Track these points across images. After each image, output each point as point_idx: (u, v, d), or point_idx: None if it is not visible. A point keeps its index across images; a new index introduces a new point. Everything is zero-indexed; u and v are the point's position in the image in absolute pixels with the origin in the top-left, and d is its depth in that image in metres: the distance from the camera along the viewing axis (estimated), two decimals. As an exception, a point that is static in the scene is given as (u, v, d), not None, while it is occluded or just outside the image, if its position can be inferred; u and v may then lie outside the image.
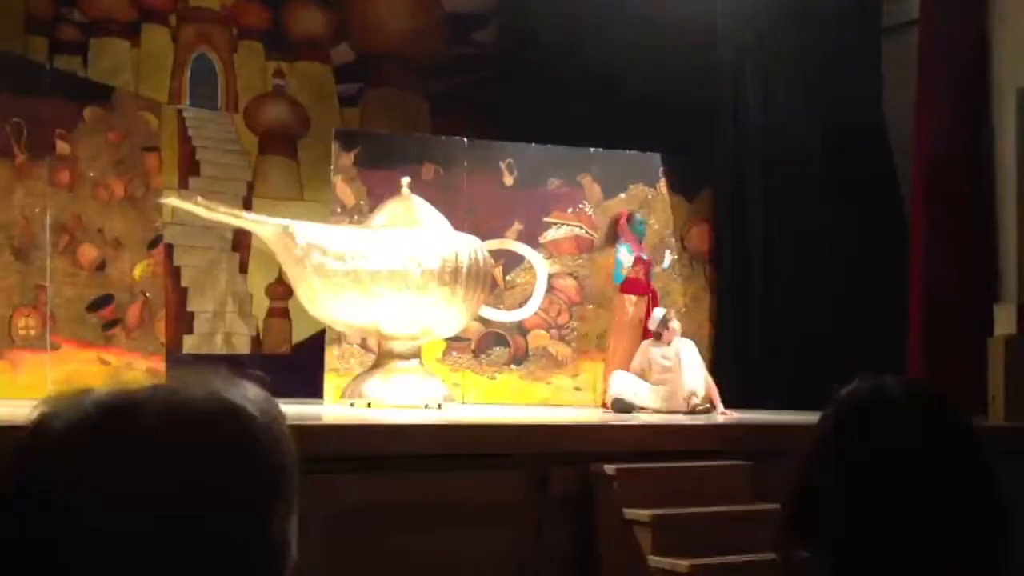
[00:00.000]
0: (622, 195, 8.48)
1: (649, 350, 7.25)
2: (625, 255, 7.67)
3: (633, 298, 7.62)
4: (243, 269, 9.01)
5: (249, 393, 0.94)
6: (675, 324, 7.26)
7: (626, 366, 7.34)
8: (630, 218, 7.86)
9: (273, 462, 0.92)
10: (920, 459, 1.32)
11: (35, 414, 0.89)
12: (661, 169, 8.57)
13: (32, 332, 6.51)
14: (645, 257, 7.79)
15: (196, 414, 0.89)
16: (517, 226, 8.19)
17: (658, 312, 7.40)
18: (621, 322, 7.62)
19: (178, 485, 0.85)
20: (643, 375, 7.20)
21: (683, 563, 4.80)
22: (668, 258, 8.07)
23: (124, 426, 0.87)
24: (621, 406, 6.92)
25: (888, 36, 8.70)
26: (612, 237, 7.86)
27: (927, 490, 1.30)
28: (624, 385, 7.07)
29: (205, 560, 0.85)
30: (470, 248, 6.74)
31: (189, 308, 8.80)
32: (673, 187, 8.59)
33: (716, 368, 8.03)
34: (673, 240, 8.55)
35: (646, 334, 7.51)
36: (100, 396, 0.89)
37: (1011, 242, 7.84)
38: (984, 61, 8.00)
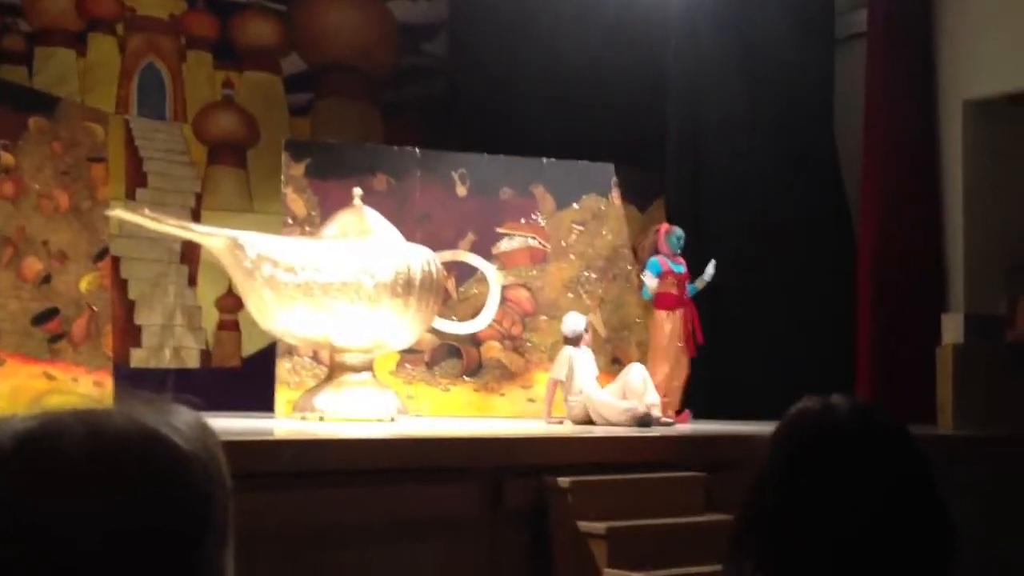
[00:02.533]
0: (575, 205, 8.49)
1: (575, 358, 7.18)
2: (652, 270, 7.43)
3: (664, 313, 7.46)
4: (192, 282, 8.90)
5: (176, 419, 0.89)
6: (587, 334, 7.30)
7: (668, 384, 7.30)
8: (669, 231, 7.59)
9: (202, 490, 0.87)
10: (866, 480, 1.32)
11: None
12: (614, 179, 8.60)
13: (-25, 347, 6.37)
14: (682, 270, 7.52)
15: (118, 443, 0.85)
16: (470, 237, 8.16)
17: (580, 319, 7.32)
18: (657, 339, 7.48)
19: (100, 518, 0.81)
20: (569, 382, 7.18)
21: (638, 575, 4.80)
22: (711, 269, 7.51)
23: (43, 458, 0.83)
24: (646, 420, 6.73)
25: (839, 47, 8.81)
26: (652, 251, 7.59)
27: (873, 511, 1.30)
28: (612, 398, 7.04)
29: None
30: (423, 259, 6.71)
31: (137, 321, 8.66)
32: (626, 197, 8.61)
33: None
34: (626, 250, 8.58)
35: (688, 349, 7.42)
36: (18, 426, 0.85)
37: (958, 252, 7.96)
38: (930, 73, 8.13)
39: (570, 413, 7.13)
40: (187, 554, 0.85)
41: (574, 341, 7.24)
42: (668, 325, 7.45)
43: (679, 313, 7.48)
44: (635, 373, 7.03)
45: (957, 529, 1.35)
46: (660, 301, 7.49)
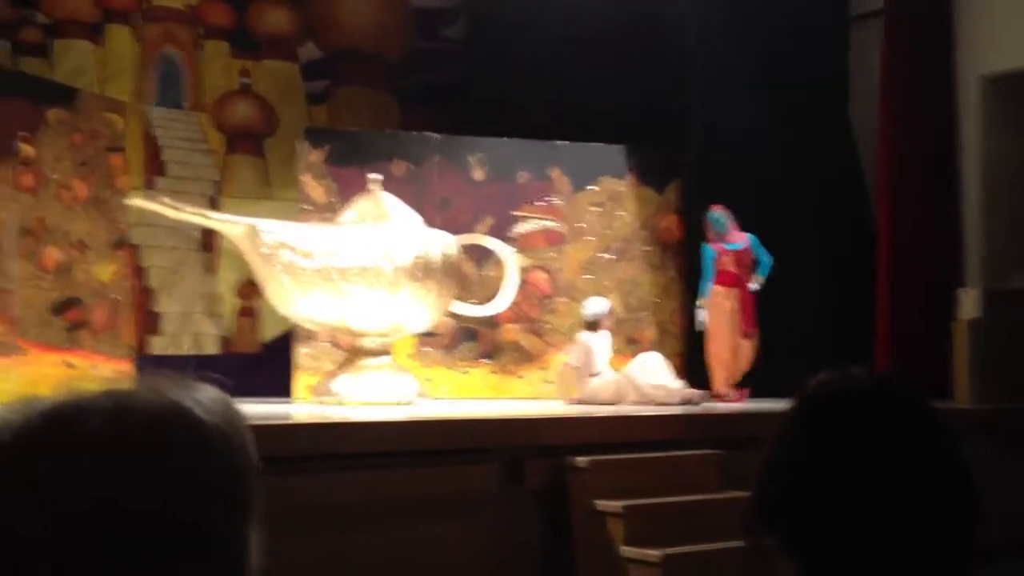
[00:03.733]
0: (592, 187, 8.50)
1: (590, 342, 7.22)
2: (707, 253, 7.52)
3: (722, 290, 7.51)
4: (211, 269, 8.95)
5: (202, 395, 0.91)
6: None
7: (728, 361, 7.36)
8: (709, 214, 7.61)
9: (226, 465, 0.89)
10: (886, 449, 1.31)
11: None
12: (630, 161, 8.59)
13: (-3, 336, 6.44)
14: (739, 247, 7.55)
15: (143, 419, 0.86)
16: (488, 220, 8.19)
17: (602, 304, 7.36)
18: (715, 315, 7.50)
19: (125, 492, 0.83)
20: (584, 367, 7.20)
21: (655, 552, 4.83)
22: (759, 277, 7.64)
23: (69, 434, 0.85)
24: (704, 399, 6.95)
25: (854, 25, 8.77)
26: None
27: (893, 479, 1.30)
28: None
29: (155, 568, 0.83)
30: (441, 244, 6.74)
31: (157, 309, 8.73)
32: (642, 179, 8.61)
33: (687, 358, 8.07)
34: (643, 232, 8.58)
35: (744, 328, 7.45)
36: (46, 405, 0.87)
37: (974, 227, 7.93)
38: (948, 48, 8.08)
39: (583, 395, 7.15)
40: (207, 527, 0.86)
41: (593, 326, 7.26)
42: (726, 302, 7.47)
43: (736, 292, 7.50)
44: (653, 359, 7.10)
45: (979, 493, 1.34)
46: (718, 278, 7.51)
